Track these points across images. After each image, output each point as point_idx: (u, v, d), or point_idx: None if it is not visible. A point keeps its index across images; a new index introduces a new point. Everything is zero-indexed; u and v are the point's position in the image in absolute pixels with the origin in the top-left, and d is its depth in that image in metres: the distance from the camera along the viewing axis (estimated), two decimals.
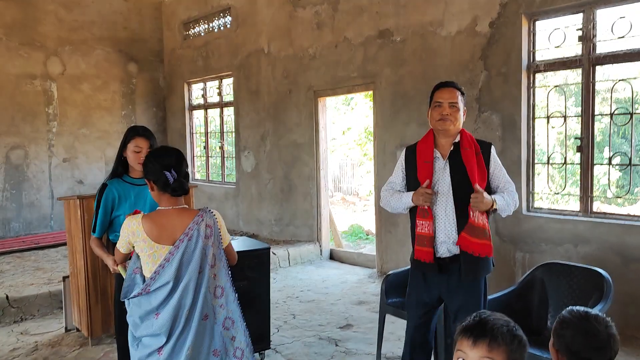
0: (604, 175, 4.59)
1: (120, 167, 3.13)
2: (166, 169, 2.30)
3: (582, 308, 1.61)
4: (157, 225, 2.27)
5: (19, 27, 8.64)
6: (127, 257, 2.48)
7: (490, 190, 2.80)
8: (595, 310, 1.59)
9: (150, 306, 2.24)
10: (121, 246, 2.37)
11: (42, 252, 7.40)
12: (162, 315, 2.23)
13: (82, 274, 4.26)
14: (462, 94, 2.89)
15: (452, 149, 2.83)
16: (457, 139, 2.84)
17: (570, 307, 1.61)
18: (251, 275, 3.92)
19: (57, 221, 8.86)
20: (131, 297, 2.28)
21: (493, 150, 2.90)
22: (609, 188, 4.63)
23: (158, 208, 2.36)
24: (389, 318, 3.97)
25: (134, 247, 2.32)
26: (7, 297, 4.98)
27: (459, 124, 2.85)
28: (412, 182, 2.90)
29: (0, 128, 8.53)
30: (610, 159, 4.57)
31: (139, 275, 2.33)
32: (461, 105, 2.85)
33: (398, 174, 3.01)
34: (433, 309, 2.94)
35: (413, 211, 2.89)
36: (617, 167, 4.57)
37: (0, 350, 4.25)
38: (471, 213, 2.70)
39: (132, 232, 2.28)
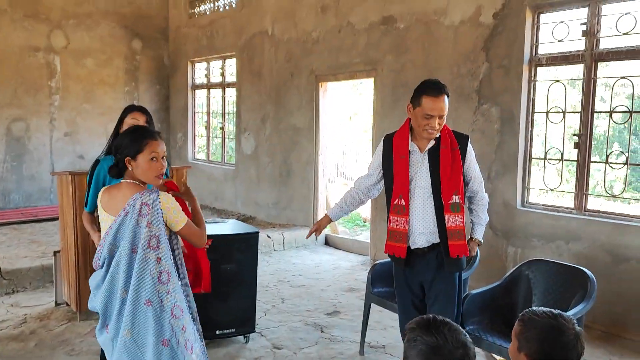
0: (612, 171, 4.56)
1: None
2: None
3: (545, 308, 1.59)
4: (109, 195, 2.31)
5: None
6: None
7: (464, 183, 2.87)
8: (557, 310, 1.57)
9: (97, 279, 2.25)
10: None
11: (39, 225, 7.46)
12: (103, 290, 2.22)
13: (72, 249, 4.29)
14: (448, 95, 2.81)
15: (432, 144, 2.83)
16: (438, 134, 2.83)
17: (530, 309, 1.58)
18: (239, 258, 3.94)
19: (57, 195, 8.89)
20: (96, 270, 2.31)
21: (470, 143, 2.91)
22: (604, 186, 4.58)
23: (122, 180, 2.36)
24: (375, 307, 3.97)
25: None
26: None
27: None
28: (388, 175, 2.92)
29: (2, 100, 8.54)
30: (607, 156, 4.52)
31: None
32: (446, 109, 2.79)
33: (375, 164, 3.03)
34: (422, 300, 2.98)
35: (388, 204, 2.91)
36: (614, 165, 4.52)
37: None
38: (446, 218, 2.76)
39: (98, 199, 2.33)
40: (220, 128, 9.26)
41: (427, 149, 2.84)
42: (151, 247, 2.20)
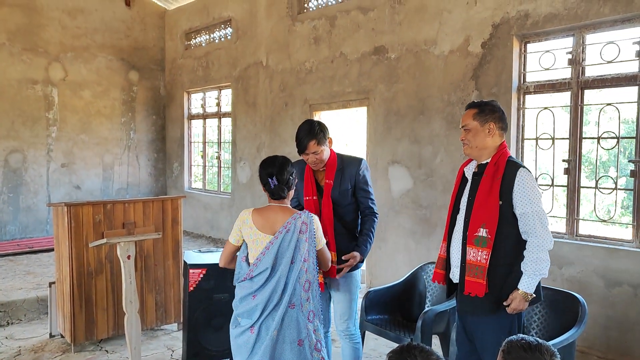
0: (609, 195, 4.64)
1: None
2: (269, 176, 2.74)
3: (526, 338, 1.60)
4: (262, 217, 2.71)
5: (22, 33, 8.76)
6: (235, 250, 2.83)
7: (515, 218, 2.54)
8: (538, 340, 1.59)
9: (251, 289, 2.63)
10: (232, 237, 2.80)
11: (35, 256, 7.45)
12: (258, 297, 2.61)
13: (67, 280, 4.30)
14: (481, 110, 2.65)
15: (475, 170, 2.69)
16: (487, 160, 2.65)
17: (510, 338, 1.60)
18: (233, 287, 3.93)
19: (53, 226, 8.89)
20: (240, 282, 2.70)
21: (520, 174, 2.54)
22: (594, 210, 4.63)
23: (267, 204, 2.78)
24: (371, 335, 3.97)
25: (243, 236, 2.75)
26: None
27: (479, 143, 2.64)
28: None
29: (0, 132, 8.62)
30: (597, 181, 4.59)
31: (245, 263, 2.74)
32: (477, 123, 2.63)
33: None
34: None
35: None
36: (603, 190, 4.58)
37: None
38: (467, 250, 2.57)
39: (243, 220, 2.75)
40: (217, 157, 9.34)
41: (472, 175, 2.70)
42: (305, 260, 2.64)
